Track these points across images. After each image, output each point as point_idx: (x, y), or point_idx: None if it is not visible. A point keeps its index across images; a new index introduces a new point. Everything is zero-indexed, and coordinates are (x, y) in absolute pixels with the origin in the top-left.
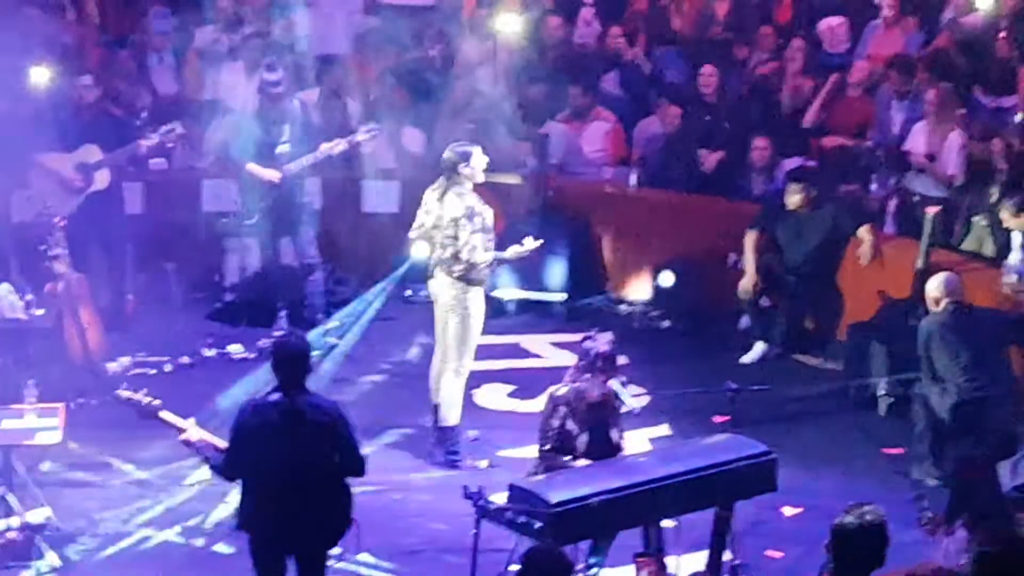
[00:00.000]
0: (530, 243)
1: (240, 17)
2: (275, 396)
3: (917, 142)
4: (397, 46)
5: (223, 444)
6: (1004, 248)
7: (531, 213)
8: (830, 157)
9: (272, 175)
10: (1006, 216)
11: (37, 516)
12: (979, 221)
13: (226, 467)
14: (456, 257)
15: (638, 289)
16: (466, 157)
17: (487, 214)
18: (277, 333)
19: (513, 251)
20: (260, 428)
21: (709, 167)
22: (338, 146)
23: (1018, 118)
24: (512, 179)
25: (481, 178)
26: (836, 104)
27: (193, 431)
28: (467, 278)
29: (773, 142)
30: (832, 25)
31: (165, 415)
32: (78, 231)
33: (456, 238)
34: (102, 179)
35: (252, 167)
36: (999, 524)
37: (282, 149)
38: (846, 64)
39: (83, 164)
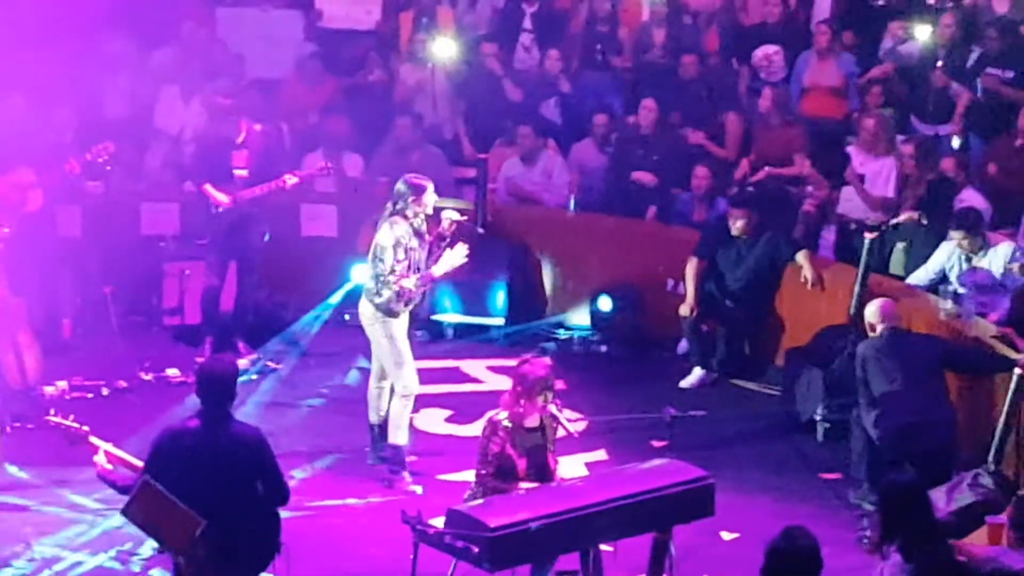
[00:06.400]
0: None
1: (198, 40)
2: (195, 423)
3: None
4: (337, 71)
5: (140, 464)
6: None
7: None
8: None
9: (223, 198)
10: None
11: None
12: (900, 248)
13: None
14: (376, 284)
15: (577, 314)
16: (418, 192)
17: (419, 248)
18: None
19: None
20: (177, 455)
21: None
22: (291, 180)
23: (955, 143)
24: (457, 204)
25: (429, 211)
26: (760, 134)
27: (111, 453)
28: (384, 308)
29: (713, 170)
30: (768, 53)
31: (94, 440)
32: (13, 254)
33: (376, 264)
34: (34, 200)
35: (208, 188)
36: (930, 549)
37: (238, 174)
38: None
39: (16, 185)
